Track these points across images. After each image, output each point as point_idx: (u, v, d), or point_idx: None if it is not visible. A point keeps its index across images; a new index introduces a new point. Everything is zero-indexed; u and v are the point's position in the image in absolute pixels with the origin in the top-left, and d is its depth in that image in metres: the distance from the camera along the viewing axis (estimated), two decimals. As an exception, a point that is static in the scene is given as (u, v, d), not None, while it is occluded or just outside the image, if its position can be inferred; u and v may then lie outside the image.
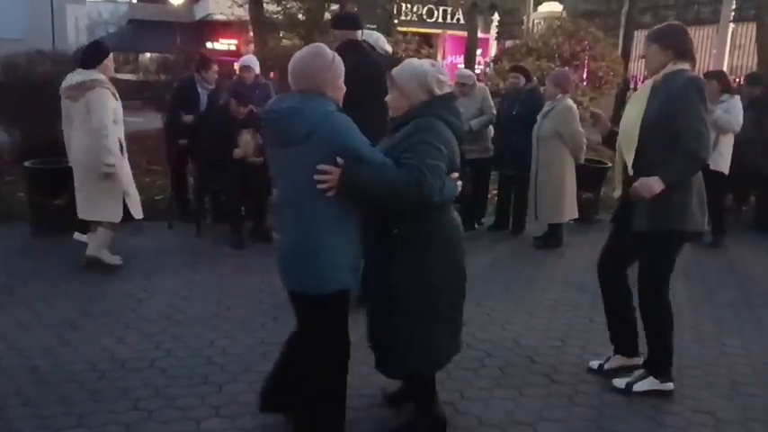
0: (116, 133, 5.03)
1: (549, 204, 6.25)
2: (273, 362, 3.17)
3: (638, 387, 3.55)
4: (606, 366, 3.79)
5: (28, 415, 3.11)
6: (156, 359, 3.74)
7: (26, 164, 6.38)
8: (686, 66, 3.36)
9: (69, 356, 3.72)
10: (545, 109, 6.21)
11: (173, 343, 3.97)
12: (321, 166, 2.48)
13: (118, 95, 5.13)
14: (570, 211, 6.36)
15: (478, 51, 22.75)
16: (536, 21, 19.30)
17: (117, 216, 5.16)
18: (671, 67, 3.35)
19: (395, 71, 2.81)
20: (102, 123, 4.91)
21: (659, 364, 3.57)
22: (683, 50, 3.36)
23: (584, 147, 6.25)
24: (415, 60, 2.87)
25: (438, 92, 2.76)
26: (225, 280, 5.16)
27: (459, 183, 2.83)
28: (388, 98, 2.85)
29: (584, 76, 11.59)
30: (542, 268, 5.78)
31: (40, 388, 3.37)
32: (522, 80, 6.79)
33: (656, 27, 3.50)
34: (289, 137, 2.53)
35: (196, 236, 6.40)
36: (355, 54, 3.98)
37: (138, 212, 5.29)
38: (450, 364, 3.74)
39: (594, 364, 3.84)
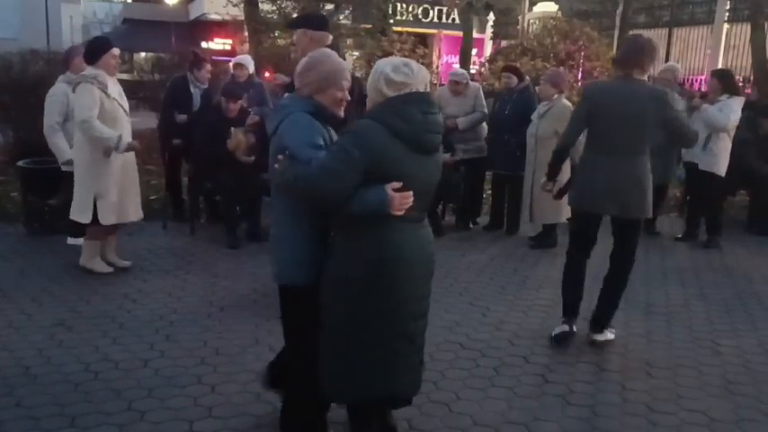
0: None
1: (547, 205, 6.23)
2: (268, 362, 3.21)
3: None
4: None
5: (20, 416, 3.09)
6: (150, 360, 3.72)
7: (20, 163, 6.35)
8: (619, 71, 3.99)
9: (62, 357, 3.71)
10: (542, 109, 6.20)
11: (166, 343, 3.95)
12: (279, 158, 2.58)
13: (113, 93, 5.01)
14: (566, 212, 6.36)
15: (474, 51, 22.75)
16: (531, 21, 19.32)
17: (83, 217, 4.99)
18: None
19: None
20: (81, 117, 4.77)
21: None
22: (617, 60, 4.07)
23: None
24: (390, 59, 2.68)
25: (388, 93, 2.52)
26: (219, 280, 5.14)
27: (407, 194, 2.49)
28: None
29: (580, 76, 11.61)
30: (537, 268, 5.78)
31: (32, 389, 3.35)
32: (515, 80, 6.78)
33: None
34: (270, 131, 2.71)
35: (190, 236, 6.38)
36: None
37: (107, 218, 5.01)
38: (445, 364, 3.78)
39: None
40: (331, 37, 4.02)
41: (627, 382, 3.70)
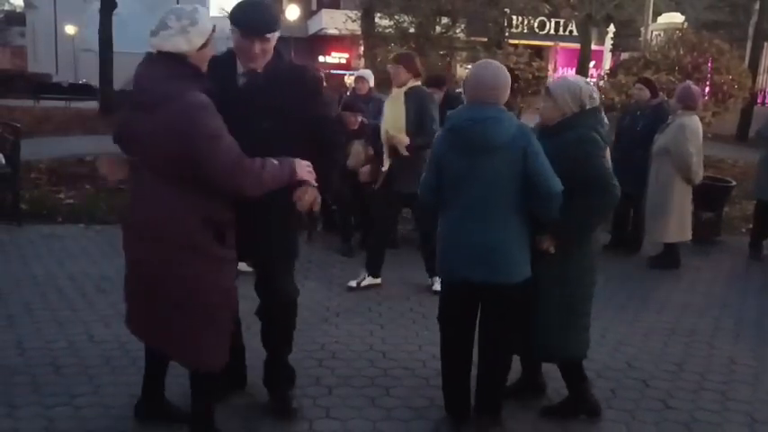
0: None
1: (653, 222, 6.00)
2: (384, 369, 3.29)
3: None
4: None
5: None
6: (271, 359, 3.88)
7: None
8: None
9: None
10: (666, 124, 5.96)
11: (286, 344, 4.11)
12: None
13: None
14: (679, 233, 6.01)
15: (591, 64, 22.15)
16: (655, 32, 18.54)
17: None
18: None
19: (551, 84, 3.26)
20: None
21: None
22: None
23: (692, 167, 5.81)
24: (576, 77, 3.31)
25: (588, 105, 3.14)
26: (334, 287, 5.30)
27: None
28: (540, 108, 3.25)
29: (707, 90, 11.03)
30: (658, 289, 5.55)
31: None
32: (647, 93, 6.39)
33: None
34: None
35: (307, 242, 6.62)
36: None
37: None
38: (560, 383, 3.69)
39: (353, 283, 5.23)
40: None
41: (756, 413, 3.50)
